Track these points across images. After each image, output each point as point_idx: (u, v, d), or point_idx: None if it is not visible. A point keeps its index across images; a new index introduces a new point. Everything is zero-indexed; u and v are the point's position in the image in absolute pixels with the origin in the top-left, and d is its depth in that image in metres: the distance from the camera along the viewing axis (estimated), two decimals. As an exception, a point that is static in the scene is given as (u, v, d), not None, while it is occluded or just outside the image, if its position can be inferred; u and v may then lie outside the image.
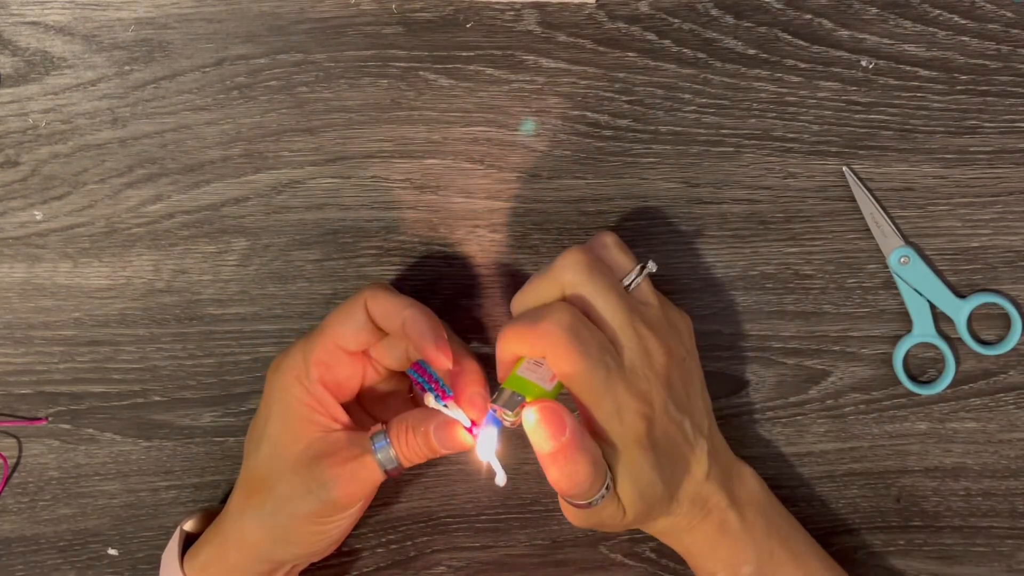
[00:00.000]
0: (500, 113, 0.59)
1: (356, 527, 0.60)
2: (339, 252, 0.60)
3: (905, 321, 0.60)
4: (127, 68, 0.58)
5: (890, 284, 0.60)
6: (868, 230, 0.60)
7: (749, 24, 0.58)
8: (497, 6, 0.58)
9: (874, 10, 0.58)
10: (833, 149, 0.59)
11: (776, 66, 0.58)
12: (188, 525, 0.59)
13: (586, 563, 0.63)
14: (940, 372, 0.61)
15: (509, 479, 0.52)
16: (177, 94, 0.58)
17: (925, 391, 0.61)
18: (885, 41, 0.58)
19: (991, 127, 0.59)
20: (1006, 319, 0.60)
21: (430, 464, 0.60)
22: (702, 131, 0.59)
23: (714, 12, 0.58)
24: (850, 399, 0.61)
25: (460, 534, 0.63)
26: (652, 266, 0.53)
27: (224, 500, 0.60)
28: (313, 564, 0.59)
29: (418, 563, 0.63)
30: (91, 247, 0.60)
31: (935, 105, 0.59)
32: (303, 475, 0.53)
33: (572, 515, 0.53)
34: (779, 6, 0.58)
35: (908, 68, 0.58)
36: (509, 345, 0.51)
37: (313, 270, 0.60)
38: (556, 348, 0.50)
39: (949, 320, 0.60)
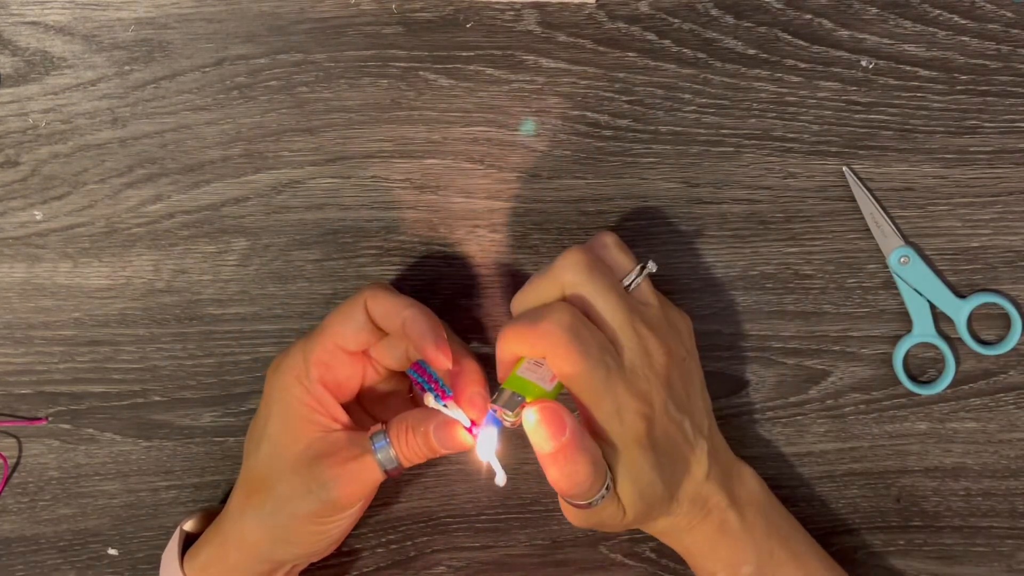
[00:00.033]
0: (500, 113, 0.59)
1: (356, 527, 0.60)
2: (339, 252, 0.60)
3: (905, 321, 0.60)
4: (127, 68, 0.58)
5: (890, 284, 0.60)
6: (868, 230, 0.60)
7: (749, 24, 0.58)
8: (497, 6, 0.58)
9: (874, 10, 0.58)
10: (833, 149, 0.59)
11: (776, 66, 0.58)
12: (188, 525, 0.59)
13: (586, 563, 0.63)
14: (940, 372, 0.61)
15: (509, 479, 0.52)
16: (177, 94, 0.58)
17: (925, 391, 0.61)
18: (885, 41, 0.58)
19: (991, 127, 0.59)
20: (1006, 319, 0.60)
21: (430, 464, 0.60)
22: (702, 131, 0.59)
23: (714, 12, 0.58)
24: (850, 399, 0.61)
25: (460, 534, 0.63)
26: (652, 266, 0.53)
27: (224, 500, 0.60)
28: (313, 564, 0.59)
29: (418, 563, 0.63)
30: (91, 247, 0.60)
31: (935, 105, 0.59)
32: (303, 475, 0.53)
33: (572, 515, 0.53)
34: (779, 6, 0.58)
35: (908, 68, 0.58)
36: (509, 345, 0.51)
37: (313, 270, 0.60)
38: (556, 348, 0.50)
39: (949, 320, 0.60)
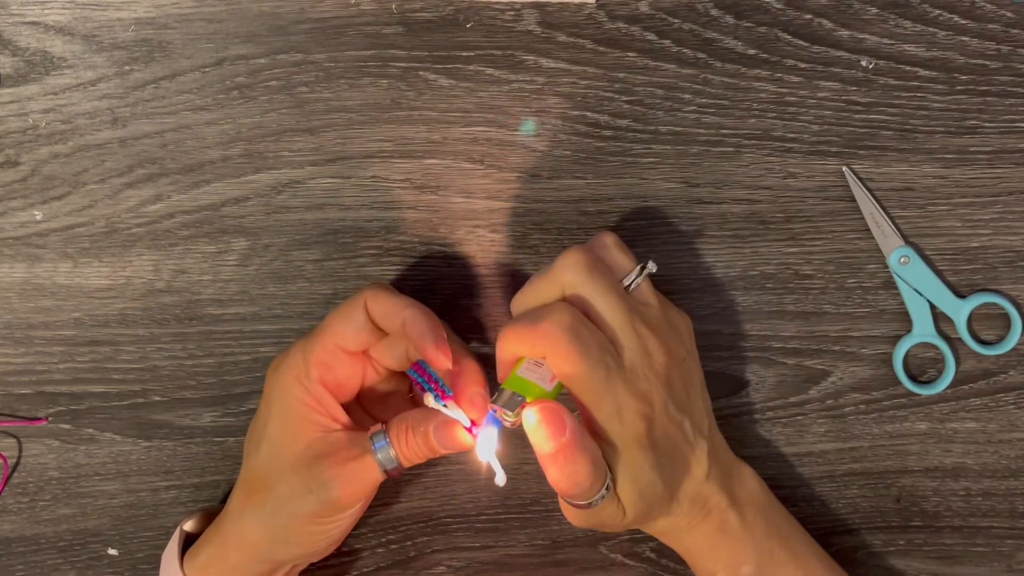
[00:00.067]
0: (500, 113, 0.59)
1: (356, 527, 0.60)
2: (339, 252, 0.60)
3: (905, 321, 0.60)
4: (127, 68, 0.58)
5: (890, 284, 0.60)
6: (868, 230, 0.60)
7: (749, 24, 0.58)
8: (497, 6, 0.58)
9: (874, 10, 0.58)
10: (833, 149, 0.59)
11: (776, 66, 0.58)
12: (188, 525, 0.59)
13: (586, 563, 0.63)
14: (940, 372, 0.61)
15: (509, 479, 0.52)
16: (177, 94, 0.58)
17: (925, 391, 0.61)
18: (885, 41, 0.58)
19: (991, 127, 0.59)
20: (1006, 319, 0.60)
21: (430, 464, 0.60)
22: (702, 131, 0.59)
23: (714, 12, 0.58)
24: (850, 399, 0.61)
25: (460, 534, 0.63)
26: (652, 266, 0.53)
27: (224, 500, 0.60)
28: (313, 564, 0.59)
29: (418, 563, 0.63)
30: (91, 247, 0.60)
31: (935, 105, 0.59)
32: (303, 475, 0.53)
33: (572, 515, 0.53)
34: (779, 6, 0.58)
35: (908, 68, 0.58)
36: (509, 345, 0.51)
37: (313, 270, 0.60)
38: (556, 348, 0.50)
39: (949, 320, 0.60)
